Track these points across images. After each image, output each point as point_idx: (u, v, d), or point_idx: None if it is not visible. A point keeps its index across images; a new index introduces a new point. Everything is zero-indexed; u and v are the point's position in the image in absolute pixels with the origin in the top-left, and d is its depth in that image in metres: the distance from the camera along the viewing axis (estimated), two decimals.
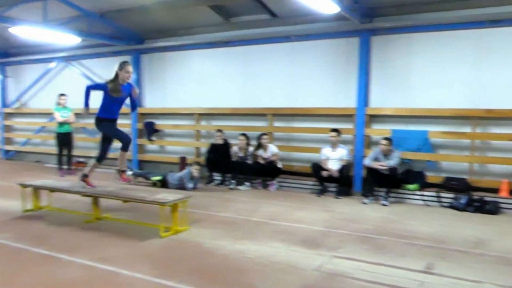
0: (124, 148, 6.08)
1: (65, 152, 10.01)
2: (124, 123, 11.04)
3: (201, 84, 10.05)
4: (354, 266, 4.24)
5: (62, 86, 11.51)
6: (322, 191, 8.02)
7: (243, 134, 8.91)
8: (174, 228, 5.22)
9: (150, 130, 10.61)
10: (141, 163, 10.93)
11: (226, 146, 9.08)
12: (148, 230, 5.36)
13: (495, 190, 7.08)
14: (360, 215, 6.51)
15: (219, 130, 9.24)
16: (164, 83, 10.64)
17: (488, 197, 6.90)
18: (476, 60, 7.37)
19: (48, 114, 11.55)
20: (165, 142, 10.71)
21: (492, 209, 6.67)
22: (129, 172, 8.85)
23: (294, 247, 4.81)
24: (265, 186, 8.65)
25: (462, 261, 4.48)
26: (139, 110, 10.68)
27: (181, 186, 8.22)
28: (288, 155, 9.09)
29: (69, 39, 9.38)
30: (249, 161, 8.77)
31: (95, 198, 5.79)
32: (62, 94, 10.11)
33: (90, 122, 11.49)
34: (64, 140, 9.93)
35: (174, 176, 8.44)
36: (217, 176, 9.09)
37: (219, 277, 3.94)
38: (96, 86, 6.12)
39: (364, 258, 4.49)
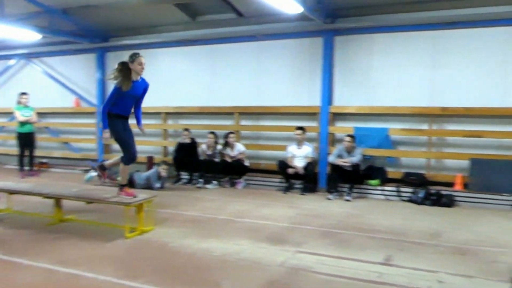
0: (125, 160, 5.39)
1: (27, 152, 9.73)
2: (88, 123, 10.94)
3: (168, 83, 10.01)
4: (317, 261, 4.37)
5: (23, 85, 11.18)
6: (288, 188, 8.18)
7: (212, 132, 8.95)
8: (139, 229, 5.21)
9: None
10: None
11: (193, 145, 9.10)
12: (113, 231, 5.31)
13: (450, 184, 7.46)
14: (324, 211, 6.69)
15: (186, 129, 9.23)
16: None
17: (444, 190, 7.26)
18: (433, 60, 7.71)
19: (8, 114, 11.20)
20: None
21: (447, 202, 7.02)
22: (94, 173, 8.69)
23: (259, 244, 4.90)
24: (233, 184, 8.73)
25: (419, 252, 4.70)
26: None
27: (148, 186, 8.18)
28: (255, 153, 9.20)
29: (29, 35, 9.11)
30: (217, 160, 8.82)
31: (58, 200, 5.69)
32: (24, 93, 9.81)
33: (53, 121, 11.36)
34: (26, 140, 9.65)
35: (141, 176, 8.39)
36: (184, 175, 9.10)
37: (184, 276, 3.98)
38: (111, 99, 5.25)
39: (327, 252, 4.63)
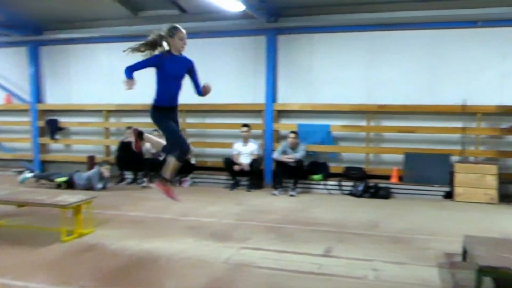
0: (179, 157, 4.57)
1: None
2: (21, 121, 10.36)
3: (110, 80, 9.68)
4: (261, 256, 4.46)
5: None
6: (234, 185, 8.23)
7: (156, 130, 8.79)
8: (77, 231, 5.02)
9: (53, 128, 10.03)
10: (44, 164, 10.29)
11: None
12: (48, 235, 5.04)
13: (387, 177, 7.87)
14: (269, 206, 6.81)
15: (130, 127, 8.99)
16: (68, 78, 10.09)
17: (382, 183, 7.66)
18: (370, 60, 8.09)
19: None
20: (71, 140, 10.21)
21: (384, 194, 7.41)
22: (29, 175, 8.31)
23: (204, 242, 4.92)
24: (179, 182, 8.64)
25: (357, 242, 4.93)
26: (39, 106, 10.04)
27: (89, 187, 7.92)
28: (201, 151, 9.17)
29: None
30: (162, 158, 8.68)
31: None
32: None
33: None
34: None
35: (81, 176, 8.09)
36: (128, 175, 8.89)
37: (125, 278, 3.90)
38: (144, 63, 4.49)
39: (271, 247, 4.73)
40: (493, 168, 7.22)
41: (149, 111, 4.58)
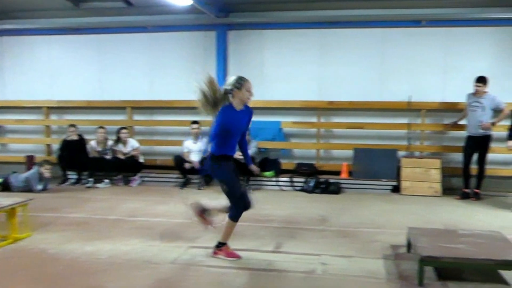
0: (233, 216, 4.21)
1: None
2: None
3: (49, 75, 9.19)
4: (209, 254, 4.34)
5: None
6: (185, 184, 8.05)
7: (102, 127, 8.45)
8: (12, 236, 4.66)
9: None
10: None
11: (81, 141, 8.49)
12: None
13: (337, 173, 7.99)
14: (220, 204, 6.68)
15: (73, 125, 8.57)
16: (2, 72, 9.43)
17: (332, 179, 7.75)
18: (320, 57, 8.18)
19: None
20: (7, 139, 9.58)
21: (335, 189, 7.51)
22: None
23: (151, 242, 4.73)
24: (127, 182, 8.34)
25: (306, 238, 4.94)
26: None
27: (28, 189, 7.43)
28: (150, 149, 8.91)
29: None
30: (108, 157, 8.35)
31: None
32: None
33: None
34: None
35: (18, 178, 7.58)
36: (72, 175, 8.46)
37: (63, 283, 3.66)
38: (218, 137, 4.06)
39: None
40: (437, 162, 7.50)
41: (211, 163, 4.15)
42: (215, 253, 4.26)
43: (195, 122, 8.12)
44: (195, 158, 8.03)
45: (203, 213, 4.45)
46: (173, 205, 6.61)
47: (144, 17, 8.57)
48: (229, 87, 4.07)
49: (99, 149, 8.37)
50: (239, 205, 4.15)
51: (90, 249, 4.47)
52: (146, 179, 8.46)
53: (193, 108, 8.33)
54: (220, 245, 4.26)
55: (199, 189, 7.87)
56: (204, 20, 8.16)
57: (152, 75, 8.86)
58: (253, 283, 3.68)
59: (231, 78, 4.14)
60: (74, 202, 6.78)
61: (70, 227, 5.35)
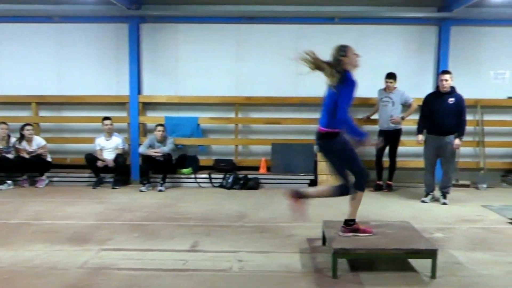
0: (360, 186, 4.04)
1: None
2: None
3: None
4: (122, 256, 4.19)
5: None
6: (98, 183, 7.66)
7: (3, 123, 7.73)
8: None
9: None
10: None
11: None
12: None
13: (256, 168, 8.06)
14: (135, 204, 6.46)
15: (3, 122, 7.75)
16: None
17: (251, 174, 7.80)
18: (237, 52, 8.16)
19: None
20: None
21: (254, 185, 7.58)
22: None
23: (58, 247, 4.43)
24: (33, 183, 7.73)
25: (224, 235, 4.92)
26: None
27: None
28: (59, 147, 8.34)
29: None
30: (11, 156, 7.66)
31: None
32: None
33: None
34: None
35: None
36: None
37: None
38: (351, 96, 3.93)
39: (134, 246, 4.48)
40: None
41: (333, 139, 3.98)
42: (345, 232, 4.06)
43: (107, 118, 7.75)
44: (108, 156, 7.69)
45: (299, 198, 4.21)
46: (85, 206, 6.25)
47: (50, 6, 7.93)
48: (336, 58, 3.96)
49: (0, 147, 7.65)
50: (363, 173, 4.06)
51: None
52: (55, 179, 7.91)
53: (106, 104, 8.10)
54: (351, 223, 4.07)
55: (113, 188, 7.54)
56: (115, 11, 7.74)
57: (61, 69, 8.26)
58: (167, 284, 3.59)
59: (333, 50, 4.02)
60: None
61: None
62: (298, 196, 4.20)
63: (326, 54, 7.73)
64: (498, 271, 3.92)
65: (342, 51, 3.98)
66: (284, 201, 6.47)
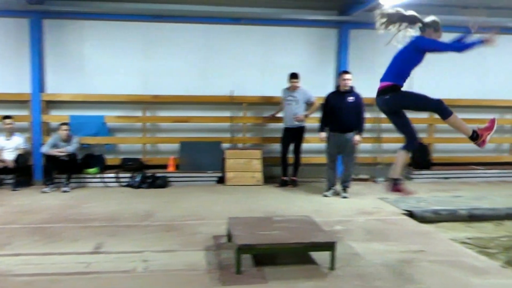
0: (410, 147, 4.40)
1: None
2: None
3: None
4: (20, 262, 4.09)
5: None
6: None
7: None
8: None
9: None
10: None
11: None
12: None
13: (164, 166, 8.14)
14: (37, 205, 6.26)
15: None
16: None
17: (159, 173, 7.85)
18: (145, 50, 8.14)
19: None
20: None
21: (162, 183, 7.63)
22: None
23: None
24: None
25: (129, 235, 4.93)
26: None
27: None
28: None
29: None
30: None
31: None
32: None
33: None
34: None
35: None
36: None
37: None
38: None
39: (33, 251, 4.39)
40: (258, 153, 8.10)
41: (400, 89, 4.19)
42: (394, 190, 4.33)
43: (7, 117, 7.39)
44: (8, 156, 7.33)
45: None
46: None
47: None
48: (429, 22, 4.18)
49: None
50: (415, 135, 4.40)
51: None
52: None
53: (5, 102, 7.64)
54: (397, 181, 4.32)
55: (13, 190, 7.20)
56: (15, 5, 7.31)
57: None
58: None
59: (432, 17, 4.23)
60: None
61: None
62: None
63: (234, 53, 8.07)
64: (390, 260, 4.20)
65: (437, 25, 4.23)
66: (193, 199, 6.75)
